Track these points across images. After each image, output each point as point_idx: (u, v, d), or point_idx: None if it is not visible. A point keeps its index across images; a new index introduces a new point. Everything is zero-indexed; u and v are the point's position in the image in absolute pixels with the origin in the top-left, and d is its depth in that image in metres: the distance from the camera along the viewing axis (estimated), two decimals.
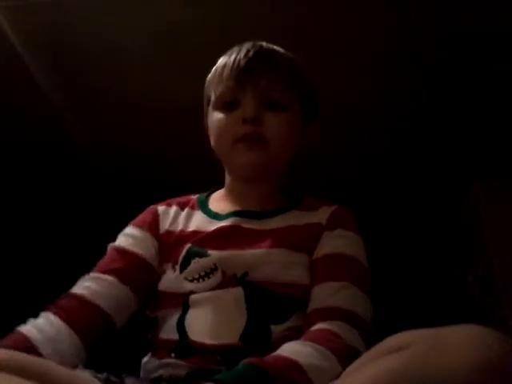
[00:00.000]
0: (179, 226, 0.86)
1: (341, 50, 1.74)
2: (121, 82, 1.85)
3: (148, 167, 2.30)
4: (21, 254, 2.20)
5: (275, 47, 0.89)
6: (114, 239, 0.88)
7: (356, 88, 1.90)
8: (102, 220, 2.56)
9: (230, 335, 0.71)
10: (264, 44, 0.87)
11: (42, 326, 0.71)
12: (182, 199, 0.93)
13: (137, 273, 0.82)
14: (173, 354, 0.73)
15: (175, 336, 0.75)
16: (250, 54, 0.83)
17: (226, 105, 0.85)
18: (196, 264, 0.77)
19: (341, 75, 1.82)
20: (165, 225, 0.86)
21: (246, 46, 0.86)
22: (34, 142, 2.12)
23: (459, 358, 0.46)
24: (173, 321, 0.76)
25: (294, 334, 0.71)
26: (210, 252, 0.78)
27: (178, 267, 0.79)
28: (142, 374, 0.78)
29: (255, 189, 0.88)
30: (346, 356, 0.63)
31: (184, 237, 0.83)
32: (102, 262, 0.84)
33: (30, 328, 0.70)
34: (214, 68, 0.90)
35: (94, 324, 0.75)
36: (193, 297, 0.76)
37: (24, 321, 0.73)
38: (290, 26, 1.61)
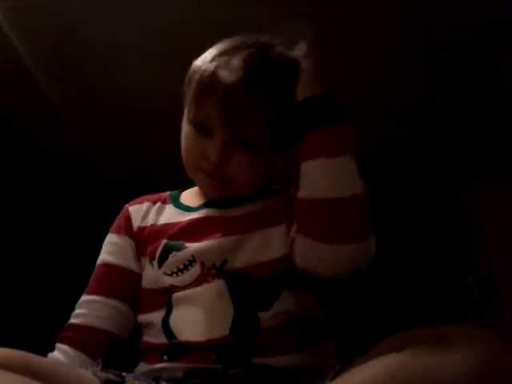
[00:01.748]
0: (150, 221, 0.87)
1: (341, 47, 1.73)
2: (121, 81, 1.85)
3: (148, 167, 2.30)
4: (20, 253, 2.20)
5: (269, 63, 0.78)
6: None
7: (355, 87, 1.90)
8: (102, 219, 2.56)
9: (220, 329, 0.71)
10: (255, 61, 0.76)
11: (58, 357, 0.75)
12: (154, 196, 0.95)
13: (126, 285, 0.84)
14: (165, 357, 0.73)
15: (163, 339, 0.74)
16: (234, 78, 0.73)
17: (196, 125, 0.81)
18: (174, 258, 0.78)
19: (341, 73, 1.82)
20: (136, 222, 0.88)
21: (234, 59, 0.75)
22: (34, 141, 2.12)
23: (458, 358, 0.46)
24: (157, 324, 0.76)
25: (284, 320, 0.71)
26: (186, 244, 0.78)
27: (155, 263, 0.80)
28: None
29: (227, 195, 0.87)
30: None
31: (155, 231, 0.84)
32: (92, 281, 0.86)
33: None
34: (192, 67, 0.84)
35: (104, 346, 0.79)
36: (175, 296, 0.75)
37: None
38: (289, 26, 1.61)
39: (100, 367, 0.65)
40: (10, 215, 2.15)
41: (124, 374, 0.66)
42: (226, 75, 0.74)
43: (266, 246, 0.77)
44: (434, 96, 1.95)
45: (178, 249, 0.79)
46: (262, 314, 0.72)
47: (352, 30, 1.67)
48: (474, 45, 1.73)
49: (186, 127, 0.85)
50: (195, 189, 0.93)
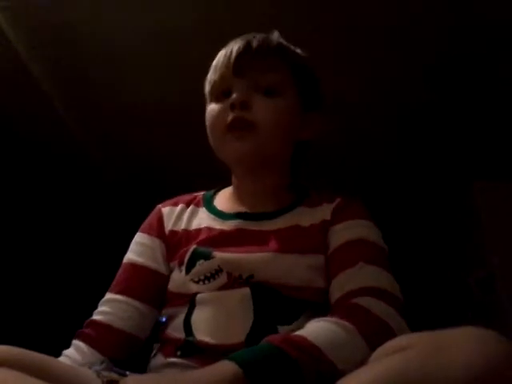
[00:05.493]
0: (182, 225, 0.85)
1: (342, 50, 1.74)
2: (121, 81, 1.85)
3: (148, 167, 2.30)
4: (22, 253, 2.20)
5: (274, 36, 0.86)
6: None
7: (356, 89, 1.90)
8: (102, 219, 2.56)
9: (236, 336, 0.70)
10: (262, 34, 0.84)
11: (72, 355, 0.74)
12: (188, 196, 0.92)
13: (153, 288, 0.83)
14: (179, 353, 0.73)
15: (182, 334, 0.74)
16: (244, 42, 0.82)
17: (219, 94, 0.83)
18: (201, 266, 0.77)
19: (341, 75, 1.82)
20: (168, 225, 0.86)
21: (244, 36, 0.84)
22: (33, 141, 2.12)
23: (459, 361, 0.46)
24: (180, 319, 0.76)
25: None
26: (214, 253, 0.77)
27: (183, 268, 0.79)
28: (147, 371, 0.78)
29: (259, 185, 0.87)
30: (373, 329, 0.61)
31: (187, 235, 0.83)
32: (119, 279, 0.84)
33: (63, 358, 0.73)
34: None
35: (123, 347, 0.78)
36: (199, 296, 0.76)
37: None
38: (289, 26, 1.61)
39: (104, 366, 0.64)
40: (11, 215, 2.15)
41: (128, 372, 0.66)
42: (237, 43, 0.82)
43: (293, 270, 0.74)
44: (434, 98, 1.95)
45: (206, 257, 0.77)
46: (281, 329, 0.71)
47: (353, 41, 1.67)
48: (475, 48, 1.73)
49: (208, 109, 0.86)
50: (229, 190, 0.92)
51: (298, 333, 0.59)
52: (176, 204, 0.90)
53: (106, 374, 0.60)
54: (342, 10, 1.59)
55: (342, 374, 0.54)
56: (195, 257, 0.79)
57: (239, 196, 0.88)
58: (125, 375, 0.62)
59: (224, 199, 0.90)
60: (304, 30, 1.66)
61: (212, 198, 0.91)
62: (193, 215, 0.87)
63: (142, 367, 0.78)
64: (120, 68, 1.79)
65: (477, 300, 2.22)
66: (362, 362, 0.55)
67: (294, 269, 0.76)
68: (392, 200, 2.53)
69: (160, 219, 0.88)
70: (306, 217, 0.83)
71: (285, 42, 0.86)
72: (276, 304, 0.73)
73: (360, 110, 2.00)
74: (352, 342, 0.59)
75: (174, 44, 1.64)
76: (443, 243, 2.67)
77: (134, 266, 0.84)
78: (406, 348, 0.50)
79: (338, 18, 1.63)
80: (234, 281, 0.75)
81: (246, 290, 0.73)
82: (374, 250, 0.77)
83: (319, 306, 0.74)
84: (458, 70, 1.83)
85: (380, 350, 0.54)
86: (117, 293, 0.82)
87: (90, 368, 0.64)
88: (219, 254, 0.77)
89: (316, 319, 0.63)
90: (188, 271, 0.78)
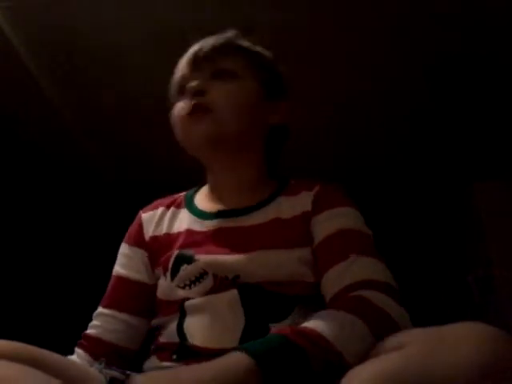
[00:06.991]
0: (164, 229, 0.85)
1: (341, 50, 1.74)
2: (120, 81, 1.85)
3: (148, 166, 2.30)
4: (21, 251, 2.20)
5: (230, 33, 0.88)
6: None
7: (356, 89, 1.90)
8: (102, 219, 2.56)
9: (230, 339, 0.70)
10: (220, 37, 0.87)
11: (75, 359, 0.78)
12: (169, 199, 0.91)
13: (140, 299, 0.83)
14: (174, 356, 0.72)
15: (176, 339, 0.74)
16: (201, 42, 0.86)
17: (180, 92, 0.85)
18: (185, 271, 0.76)
19: (340, 75, 1.82)
20: (149, 231, 0.86)
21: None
22: (33, 140, 2.12)
23: (459, 357, 0.46)
24: (172, 327, 0.75)
25: None
26: (197, 257, 0.77)
27: (168, 274, 0.78)
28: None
29: (234, 179, 0.86)
30: (377, 321, 0.61)
31: (169, 240, 0.83)
32: (107, 292, 0.85)
33: None
34: None
35: (115, 358, 0.79)
36: (188, 303, 0.75)
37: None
38: (289, 26, 1.61)
39: (103, 365, 0.64)
40: (11, 215, 2.15)
41: (128, 372, 0.66)
42: (194, 46, 0.87)
43: (279, 266, 0.74)
44: (435, 98, 1.95)
45: (189, 261, 0.77)
46: (274, 326, 0.70)
47: (352, 42, 1.67)
48: (475, 48, 1.73)
49: (173, 112, 0.87)
50: (207, 187, 0.91)
51: (305, 324, 0.59)
52: (156, 208, 0.89)
53: (108, 371, 0.60)
54: (341, 10, 1.59)
55: (348, 365, 0.54)
56: (178, 262, 0.78)
57: (217, 193, 0.87)
58: (126, 374, 0.62)
59: (204, 197, 0.89)
60: (304, 30, 1.66)
61: (192, 197, 0.90)
62: (174, 217, 0.86)
63: (136, 371, 0.79)
64: (120, 68, 1.79)
65: (476, 299, 2.22)
66: (367, 354, 0.55)
67: (280, 264, 0.75)
68: (392, 200, 2.53)
69: (140, 227, 0.87)
70: (287, 208, 0.81)
71: (241, 39, 0.88)
72: (265, 302, 0.73)
73: (360, 110, 2.00)
74: (359, 334, 0.59)
75: (174, 44, 1.64)
76: (443, 243, 2.67)
77: (119, 278, 0.85)
78: (407, 344, 0.50)
79: (338, 18, 1.63)
80: (221, 282, 0.74)
81: (234, 292, 0.73)
82: (362, 238, 0.76)
83: (310, 299, 0.73)
84: (458, 69, 1.83)
85: (380, 346, 0.54)
86: (105, 307, 0.83)
87: (91, 366, 0.64)
88: (202, 257, 0.76)
89: (322, 311, 0.63)
90: (173, 277, 0.77)
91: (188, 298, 0.75)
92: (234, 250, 0.76)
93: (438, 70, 1.83)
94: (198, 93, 0.80)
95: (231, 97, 0.81)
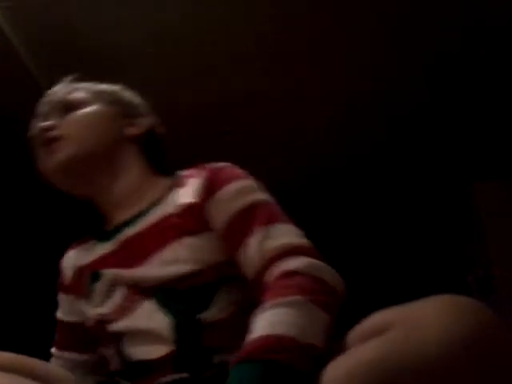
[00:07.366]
0: (77, 265, 0.86)
1: (340, 50, 1.74)
2: (120, 81, 1.85)
3: None
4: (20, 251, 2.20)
5: (67, 82, 0.99)
6: None
7: (356, 89, 1.90)
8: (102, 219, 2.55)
9: (165, 345, 0.70)
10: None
11: None
12: (80, 240, 0.93)
13: (80, 337, 0.84)
14: (128, 378, 0.74)
15: (120, 364, 0.75)
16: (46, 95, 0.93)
17: (39, 141, 0.88)
18: (96, 290, 0.78)
19: (340, 75, 1.82)
20: (68, 275, 0.87)
21: None
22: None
23: (441, 331, 0.46)
24: (113, 353, 0.76)
25: (229, 314, 0.70)
26: (102, 272, 0.79)
27: (85, 300, 0.80)
28: None
29: (116, 191, 0.86)
30: (315, 290, 0.61)
31: (82, 271, 0.84)
32: (56, 336, 0.87)
33: None
34: None
35: None
36: (115, 327, 0.75)
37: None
38: (289, 26, 1.61)
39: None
40: (10, 215, 2.15)
41: (118, 378, 0.67)
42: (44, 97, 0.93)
43: (186, 258, 0.74)
44: (435, 98, 1.96)
45: (96, 279, 0.79)
46: (202, 316, 0.71)
47: (353, 44, 1.67)
48: (475, 48, 1.73)
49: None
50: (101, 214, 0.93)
51: (258, 333, 0.57)
52: (71, 249, 0.91)
53: (96, 377, 0.61)
54: (341, 10, 1.59)
55: (321, 350, 0.54)
56: (90, 284, 0.80)
57: (109, 209, 0.88)
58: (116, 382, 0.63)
59: (106, 217, 0.90)
60: (304, 30, 1.66)
61: (102, 220, 0.92)
62: (85, 250, 0.87)
63: None
64: (120, 68, 1.79)
65: (476, 298, 2.22)
66: (328, 329, 0.56)
67: (184, 257, 0.74)
68: (392, 200, 2.53)
69: (60, 274, 0.90)
70: (178, 200, 0.81)
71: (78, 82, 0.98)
72: (183, 298, 0.73)
73: (360, 110, 2.00)
74: (311, 314, 0.58)
75: (174, 44, 1.64)
76: (444, 243, 2.67)
77: (58, 321, 0.88)
78: (384, 329, 0.49)
79: (338, 18, 1.63)
80: (134, 292, 0.75)
81: (151, 301, 0.73)
82: (266, 208, 0.75)
83: (229, 279, 0.73)
84: (458, 69, 1.83)
85: (358, 330, 0.52)
86: (53, 345, 0.86)
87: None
88: (106, 271, 0.78)
89: (261, 309, 0.61)
90: (89, 301, 0.79)
91: (105, 315, 0.76)
92: (137, 257, 0.77)
93: (437, 69, 1.83)
94: (49, 129, 0.84)
95: (79, 121, 0.87)
